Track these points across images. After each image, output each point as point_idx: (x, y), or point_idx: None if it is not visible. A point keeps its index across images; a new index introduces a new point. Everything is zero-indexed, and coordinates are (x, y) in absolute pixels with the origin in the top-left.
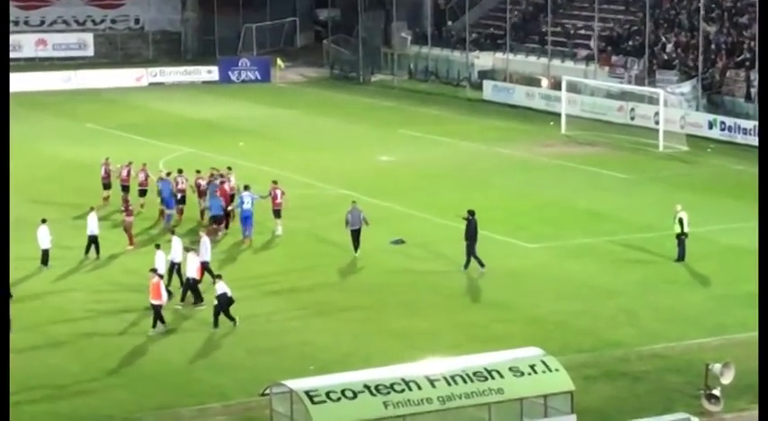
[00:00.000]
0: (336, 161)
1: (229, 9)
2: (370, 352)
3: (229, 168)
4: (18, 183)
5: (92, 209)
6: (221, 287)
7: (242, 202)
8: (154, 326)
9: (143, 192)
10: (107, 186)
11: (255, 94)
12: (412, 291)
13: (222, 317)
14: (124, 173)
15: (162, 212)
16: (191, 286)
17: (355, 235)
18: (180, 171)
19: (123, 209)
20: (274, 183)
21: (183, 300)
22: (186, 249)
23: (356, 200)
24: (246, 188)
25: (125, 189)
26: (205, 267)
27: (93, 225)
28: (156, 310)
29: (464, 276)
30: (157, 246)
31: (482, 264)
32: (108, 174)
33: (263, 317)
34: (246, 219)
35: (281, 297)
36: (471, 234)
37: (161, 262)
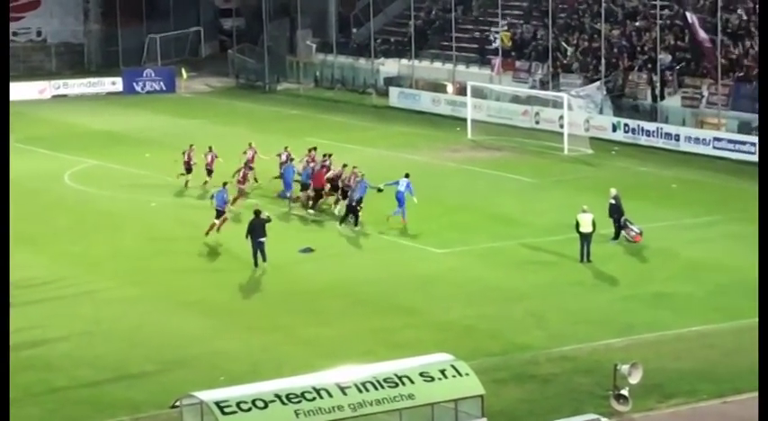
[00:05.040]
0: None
1: (133, 20)
2: (280, 361)
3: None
4: None
5: None
6: None
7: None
8: None
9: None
10: (189, 171)
11: (160, 104)
12: (320, 299)
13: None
14: (208, 158)
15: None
16: None
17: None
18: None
19: (241, 178)
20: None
21: None
22: None
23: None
24: (407, 176)
25: (210, 172)
26: None
27: None
28: None
29: (373, 282)
30: None
31: (256, 264)
32: (190, 158)
33: (173, 327)
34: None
35: (189, 308)
36: (256, 232)
37: None
